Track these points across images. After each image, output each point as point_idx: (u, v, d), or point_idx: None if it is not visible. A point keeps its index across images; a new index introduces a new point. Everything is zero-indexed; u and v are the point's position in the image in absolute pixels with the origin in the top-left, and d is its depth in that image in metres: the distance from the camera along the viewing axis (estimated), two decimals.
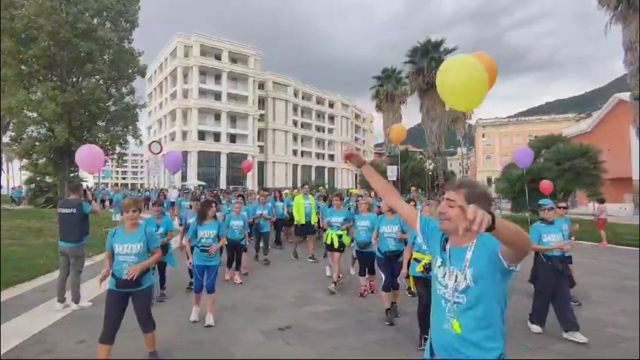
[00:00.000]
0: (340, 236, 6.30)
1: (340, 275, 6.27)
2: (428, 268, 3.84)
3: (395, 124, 26.13)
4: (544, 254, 4.49)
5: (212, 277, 4.61)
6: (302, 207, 9.00)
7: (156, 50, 56.05)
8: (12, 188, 32.00)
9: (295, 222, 9.38)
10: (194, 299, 4.70)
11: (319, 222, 9.18)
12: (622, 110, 22.28)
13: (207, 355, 3.80)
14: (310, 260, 8.42)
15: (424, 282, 3.92)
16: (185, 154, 47.74)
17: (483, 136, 60.76)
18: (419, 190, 14.98)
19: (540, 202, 4.72)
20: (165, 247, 5.03)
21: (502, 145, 58.22)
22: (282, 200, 10.67)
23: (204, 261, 4.62)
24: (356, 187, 31.35)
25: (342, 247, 6.30)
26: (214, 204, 5.08)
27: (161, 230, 5.22)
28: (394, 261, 4.87)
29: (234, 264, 6.66)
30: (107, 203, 21.92)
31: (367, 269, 5.73)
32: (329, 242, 6.33)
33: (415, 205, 5.96)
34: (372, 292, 5.89)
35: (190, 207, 7.23)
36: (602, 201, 13.13)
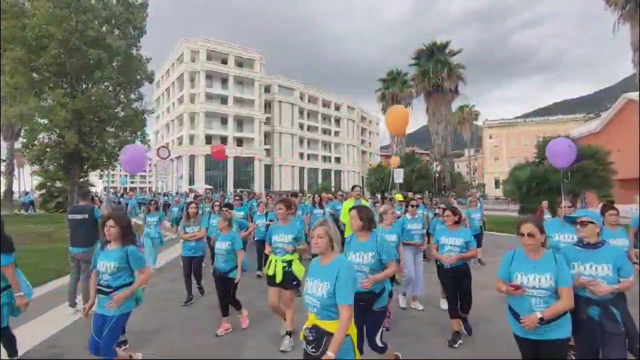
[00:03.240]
0: (288, 263, 4.06)
1: (289, 329, 4.10)
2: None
3: (392, 106, 20.37)
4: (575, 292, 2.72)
5: (108, 334, 2.95)
6: None
7: (163, 55, 56.70)
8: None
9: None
10: None
11: None
12: (632, 110, 22.00)
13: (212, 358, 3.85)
14: None
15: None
16: (192, 157, 48.20)
17: (490, 137, 60.38)
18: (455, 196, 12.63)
19: (576, 214, 2.96)
20: None
21: (509, 147, 57.79)
22: (321, 207, 8.94)
23: (101, 307, 3.07)
24: (371, 192, 29.09)
25: (293, 281, 4.07)
26: (124, 223, 3.21)
27: None
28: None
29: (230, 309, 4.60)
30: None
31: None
32: (270, 273, 4.07)
33: (459, 219, 4.39)
34: (387, 329, 4.15)
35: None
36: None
